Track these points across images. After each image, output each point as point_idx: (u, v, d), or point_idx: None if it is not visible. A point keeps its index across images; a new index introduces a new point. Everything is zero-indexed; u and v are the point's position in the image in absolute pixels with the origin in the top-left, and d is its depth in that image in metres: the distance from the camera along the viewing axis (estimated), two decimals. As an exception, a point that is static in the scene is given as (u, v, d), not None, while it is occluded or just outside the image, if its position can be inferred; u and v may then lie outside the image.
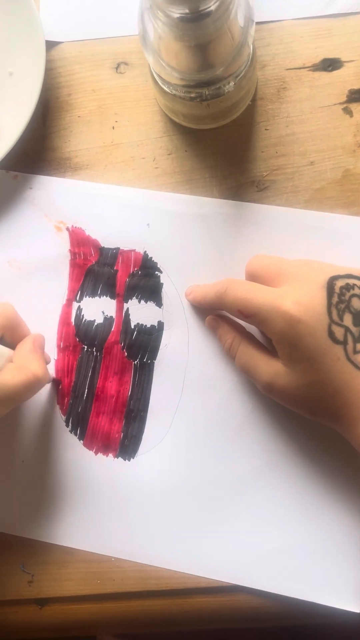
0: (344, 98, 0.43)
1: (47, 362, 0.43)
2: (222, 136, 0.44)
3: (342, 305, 0.36)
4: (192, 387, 0.43)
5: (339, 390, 0.36)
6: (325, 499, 0.41)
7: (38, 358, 0.40)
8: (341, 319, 0.36)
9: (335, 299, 0.36)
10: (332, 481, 0.42)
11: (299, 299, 0.36)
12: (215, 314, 0.43)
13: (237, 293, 0.38)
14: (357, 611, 0.41)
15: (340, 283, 0.36)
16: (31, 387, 0.38)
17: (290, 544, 0.42)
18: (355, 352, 0.36)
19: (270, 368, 0.38)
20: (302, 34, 0.44)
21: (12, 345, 0.41)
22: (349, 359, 0.35)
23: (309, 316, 0.35)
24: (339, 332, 0.35)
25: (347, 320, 0.36)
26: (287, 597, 0.41)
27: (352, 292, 0.36)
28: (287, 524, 0.42)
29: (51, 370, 0.44)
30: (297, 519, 0.42)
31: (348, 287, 0.36)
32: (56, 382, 0.45)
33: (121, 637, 0.62)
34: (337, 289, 0.36)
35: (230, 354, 0.41)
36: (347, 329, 0.36)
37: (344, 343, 0.35)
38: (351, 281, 0.37)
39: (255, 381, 0.40)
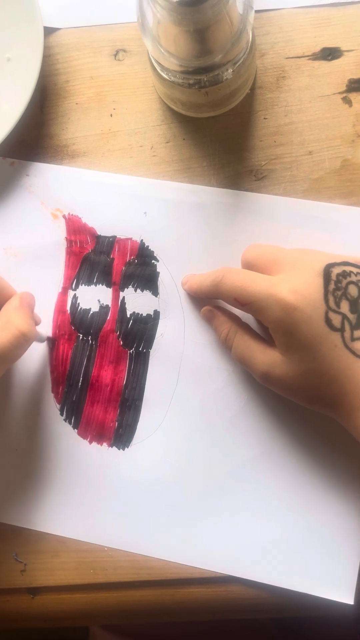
0: (344, 87, 0.43)
1: (37, 323, 0.42)
2: (221, 125, 0.44)
3: (339, 293, 0.36)
4: (188, 377, 0.43)
5: (336, 378, 0.35)
6: (320, 489, 0.41)
7: (24, 314, 0.39)
8: (338, 306, 0.35)
9: (332, 286, 0.36)
10: (328, 472, 0.41)
11: (295, 287, 0.35)
12: (211, 304, 0.43)
13: (233, 281, 0.38)
14: (351, 603, 0.40)
15: (336, 270, 0.36)
16: (17, 344, 0.37)
17: (284, 535, 0.41)
18: (352, 339, 0.35)
19: (266, 358, 0.38)
20: (302, 23, 0.44)
21: None
22: (346, 346, 0.35)
23: (305, 304, 0.35)
24: (335, 319, 0.35)
25: (344, 307, 0.35)
26: (281, 588, 0.41)
27: (348, 279, 0.36)
28: (282, 515, 0.42)
29: (46, 332, 0.44)
30: (292, 510, 0.41)
31: (345, 274, 0.36)
32: (51, 341, 0.44)
33: (111, 629, 0.62)
34: (333, 276, 0.36)
35: (226, 345, 0.41)
36: (344, 316, 0.35)
37: (341, 330, 0.35)
38: (348, 268, 0.36)
39: (252, 371, 0.39)
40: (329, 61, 0.43)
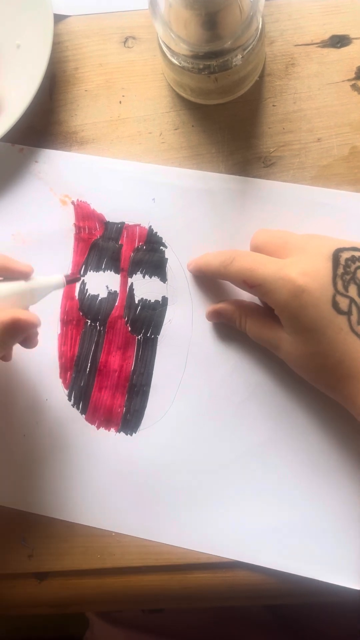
0: (352, 75, 0.43)
1: (28, 273, 0.39)
2: (230, 112, 0.44)
3: (348, 277, 0.36)
4: (195, 363, 0.43)
5: (341, 361, 0.36)
6: (327, 475, 0.41)
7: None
8: (346, 289, 0.36)
9: (340, 270, 0.36)
10: (335, 458, 0.41)
11: (304, 270, 0.36)
12: (210, 308, 0.43)
13: (243, 264, 0.38)
14: (357, 588, 0.41)
15: (345, 255, 0.36)
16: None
17: (291, 520, 0.41)
18: (359, 323, 0.36)
19: (276, 335, 0.38)
20: (311, 11, 0.44)
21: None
22: (352, 330, 0.35)
23: (314, 286, 0.35)
24: (343, 303, 0.35)
25: (353, 291, 0.36)
26: (288, 573, 0.41)
27: (357, 264, 0.36)
28: (289, 501, 0.42)
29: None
30: (299, 496, 0.42)
31: (354, 259, 0.36)
32: (71, 279, 0.42)
33: (110, 620, 0.62)
34: (342, 261, 0.36)
35: (242, 330, 0.42)
36: (351, 300, 0.35)
37: (348, 314, 0.35)
38: (357, 253, 0.37)
39: (270, 349, 0.40)
40: (338, 48, 0.44)
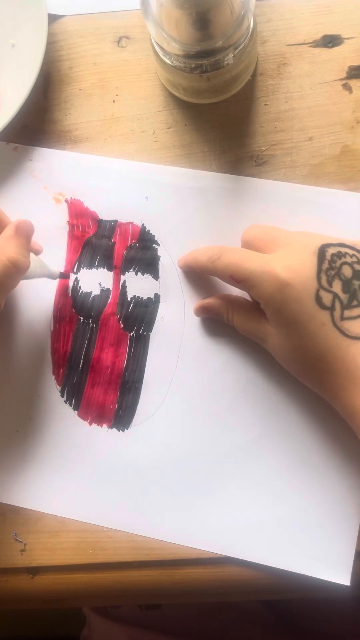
0: (344, 74, 0.44)
1: (38, 252, 0.43)
2: (222, 111, 0.44)
3: (332, 272, 0.36)
4: (187, 359, 0.43)
5: (323, 355, 0.36)
6: (318, 471, 0.42)
7: (17, 244, 0.38)
8: (330, 285, 0.36)
9: (325, 265, 0.36)
10: (326, 454, 0.42)
11: (289, 264, 0.36)
12: (198, 304, 0.43)
13: (230, 259, 0.39)
14: (347, 584, 0.41)
15: (332, 250, 0.37)
16: (8, 272, 0.37)
17: (282, 516, 0.42)
18: (342, 318, 0.36)
19: (262, 327, 0.39)
20: (303, 11, 0.44)
21: None
22: (334, 325, 0.36)
23: (297, 281, 0.36)
24: (326, 298, 0.36)
25: (337, 286, 0.36)
26: (278, 569, 0.42)
27: (343, 259, 0.36)
28: (280, 497, 0.42)
29: (58, 267, 0.45)
30: (290, 492, 0.42)
31: (340, 255, 0.37)
32: (63, 277, 0.44)
33: (108, 615, 0.62)
34: (328, 256, 0.36)
35: (230, 324, 0.42)
36: (335, 295, 0.36)
37: (331, 309, 0.36)
38: (343, 249, 0.37)
39: (257, 341, 0.41)
40: (330, 48, 0.44)
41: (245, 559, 0.42)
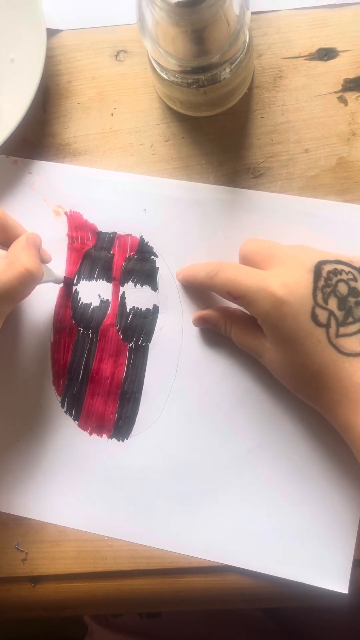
0: (339, 87, 0.44)
1: (46, 260, 0.43)
2: (219, 124, 0.45)
3: (328, 289, 0.36)
4: (186, 370, 0.44)
5: (319, 372, 0.36)
6: (316, 481, 0.42)
7: (30, 253, 0.39)
8: (326, 302, 0.36)
9: (321, 282, 0.37)
10: (324, 463, 0.42)
11: (285, 281, 0.36)
12: (196, 314, 0.43)
13: (227, 275, 0.39)
14: (345, 592, 0.41)
15: (328, 267, 0.37)
16: (24, 281, 0.38)
17: (281, 525, 0.42)
18: (337, 335, 0.36)
19: (259, 342, 0.39)
20: (299, 24, 0.45)
21: (7, 247, 0.41)
22: (330, 342, 0.36)
23: (293, 298, 0.36)
24: (322, 315, 0.36)
25: (332, 304, 0.36)
26: (277, 578, 0.42)
27: (339, 277, 0.37)
28: (279, 506, 0.42)
29: (61, 273, 0.46)
30: (288, 501, 0.42)
31: (336, 272, 0.37)
32: (67, 281, 0.45)
33: (109, 625, 0.62)
34: (324, 273, 0.37)
35: (228, 336, 0.42)
36: (331, 313, 0.36)
37: (327, 326, 0.36)
38: (339, 267, 0.37)
39: (254, 355, 0.41)
40: (325, 61, 0.44)
41: (245, 568, 0.42)
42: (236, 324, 0.41)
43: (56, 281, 0.45)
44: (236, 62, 0.40)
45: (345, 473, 0.42)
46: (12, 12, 0.46)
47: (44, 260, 0.43)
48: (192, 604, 0.44)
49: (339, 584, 0.41)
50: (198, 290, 0.44)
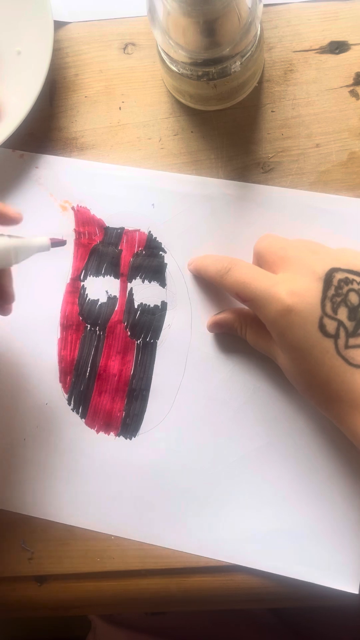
0: (351, 81, 0.43)
1: (13, 220, 0.39)
2: (229, 118, 0.44)
3: (338, 299, 0.36)
4: (194, 367, 0.43)
5: (327, 382, 0.36)
6: (325, 479, 0.42)
7: None
8: (335, 312, 0.35)
9: (331, 291, 0.36)
10: (333, 462, 0.42)
11: (294, 289, 0.36)
12: (210, 320, 0.43)
13: (237, 276, 0.38)
14: (356, 592, 0.41)
15: (339, 276, 0.36)
16: None
17: (289, 524, 0.42)
18: (347, 346, 0.35)
19: (272, 346, 0.39)
20: (310, 17, 0.44)
21: None
22: (338, 353, 0.35)
23: (301, 307, 0.35)
24: (330, 326, 0.35)
25: (342, 314, 0.35)
26: (286, 577, 0.41)
27: (350, 286, 0.36)
28: (288, 505, 0.42)
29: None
30: (297, 500, 0.42)
31: (347, 281, 0.36)
32: (57, 243, 0.40)
33: (112, 621, 0.62)
34: (335, 282, 0.36)
35: (243, 338, 0.42)
36: (340, 323, 0.35)
37: (335, 337, 0.35)
38: (351, 276, 0.36)
39: (270, 357, 0.41)
40: (337, 55, 0.44)
41: (253, 567, 0.42)
42: (251, 326, 0.41)
43: (42, 249, 0.39)
44: (247, 55, 0.40)
45: (354, 472, 0.41)
46: (18, 4, 0.45)
47: (15, 219, 0.38)
48: (199, 604, 0.44)
49: (349, 584, 0.41)
50: (207, 287, 0.44)
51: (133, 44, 0.46)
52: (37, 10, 0.44)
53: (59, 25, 0.46)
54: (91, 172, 0.45)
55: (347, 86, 0.43)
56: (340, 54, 0.44)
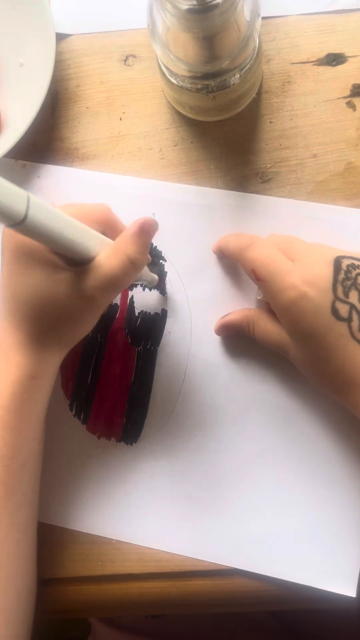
0: (348, 92, 0.44)
1: (147, 262, 0.40)
2: (228, 128, 0.45)
3: (349, 282, 0.36)
4: (194, 374, 0.44)
5: (342, 367, 0.36)
6: (323, 484, 0.42)
7: (137, 242, 0.36)
8: (347, 295, 0.36)
9: (341, 275, 0.36)
10: (331, 467, 0.42)
11: (305, 276, 0.36)
12: (218, 323, 0.43)
13: (257, 254, 0.39)
14: (353, 595, 0.41)
15: (346, 262, 0.37)
16: (127, 271, 0.35)
17: (288, 528, 0.42)
18: None
19: (283, 339, 0.39)
20: (307, 29, 0.45)
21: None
22: (353, 336, 0.36)
23: (313, 293, 0.36)
24: (343, 309, 0.36)
25: (353, 297, 0.36)
26: (285, 581, 0.42)
27: (358, 270, 0.37)
28: (286, 509, 0.42)
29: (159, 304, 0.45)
30: (295, 504, 0.42)
31: (354, 266, 0.37)
32: (160, 286, 0.44)
33: (112, 624, 0.62)
34: (344, 267, 0.37)
35: (252, 337, 0.42)
36: (352, 306, 0.36)
37: (349, 320, 0.36)
38: (357, 262, 0.37)
39: (280, 352, 0.41)
40: (334, 66, 0.44)
41: (252, 571, 0.42)
42: (258, 324, 0.41)
43: (150, 283, 0.42)
44: (246, 68, 0.41)
45: (351, 477, 0.42)
46: (21, 17, 0.46)
47: (155, 258, 0.41)
48: (199, 607, 0.44)
49: (346, 587, 0.41)
50: (206, 294, 0.44)
51: (133, 56, 0.46)
52: (40, 23, 0.45)
53: (60, 37, 0.47)
54: (92, 182, 0.46)
55: (343, 97, 0.44)
56: (337, 66, 0.44)
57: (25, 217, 0.29)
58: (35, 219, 0.29)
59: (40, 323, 0.37)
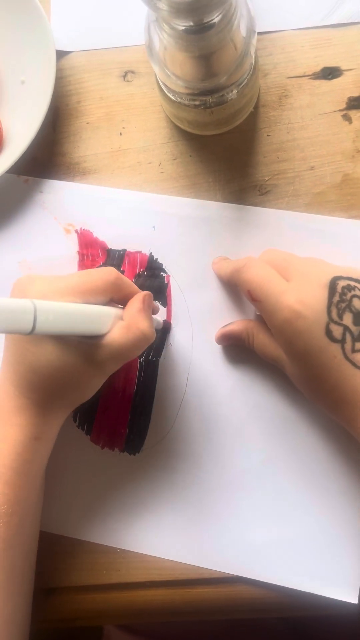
0: (344, 105, 0.45)
1: (155, 311, 0.44)
2: (226, 142, 0.46)
3: (343, 305, 0.37)
4: (196, 384, 0.45)
5: (336, 386, 0.37)
6: (324, 492, 0.43)
7: (146, 317, 0.39)
8: (341, 317, 0.37)
9: (336, 298, 0.37)
10: (332, 475, 0.43)
11: (301, 297, 0.37)
12: (219, 332, 0.44)
13: (252, 275, 0.39)
14: (355, 602, 0.42)
15: (342, 283, 0.37)
16: (140, 344, 0.38)
17: (290, 536, 0.43)
18: (354, 350, 0.37)
19: (280, 354, 0.40)
20: (303, 44, 0.45)
21: (123, 304, 0.41)
22: (346, 358, 0.37)
23: (308, 314, 0.37)
24: (337, 331, 0.37)
25: (347, 319, 0.37)
26: (287, 588, 0.43)
27: (353, 292, 0.37)
28: (288, 517, 0.43)
29: (160, 318, 0.46)
30: (297, 512, 0.43)
31: (350, 288, 0.37)
32: (166, 325, 0.45)
33: (125, 628, 0.63)
34: (339, 289, 0.37)
35: (251, 349, 0.43)
36: (346, 328, 0.37)
37: (342, 342, 0.37)
38: (353, 283, 0.38)
39: (277, 366, 0.42)
40: (329, 80, 0.45)
41: (255, 579, 0.43)
42: (257, 336, 0.42)
43: (157, 326, 0.44)
44: (243, 83, 0.41)
45: (354, 484, 0.43)
46: (22, 35, 0.47)
47: (154, 312, 0.43)
48: (204, 615, 0.45)
49: (348, 594, 0.42)
50: (207, 305, 0.45)
51: (132, 72, 0.47)
52: (40, 41, 0.46)
53: (61, 54, 0.48)
54: (94, 196, 0.47)
55: (340, 110, 0.45)
56: (333, 80, 0.45)
57: (33, 328, 0.30)
58: (43, 325, 0.31)
59: (47, 390, 0.38)
